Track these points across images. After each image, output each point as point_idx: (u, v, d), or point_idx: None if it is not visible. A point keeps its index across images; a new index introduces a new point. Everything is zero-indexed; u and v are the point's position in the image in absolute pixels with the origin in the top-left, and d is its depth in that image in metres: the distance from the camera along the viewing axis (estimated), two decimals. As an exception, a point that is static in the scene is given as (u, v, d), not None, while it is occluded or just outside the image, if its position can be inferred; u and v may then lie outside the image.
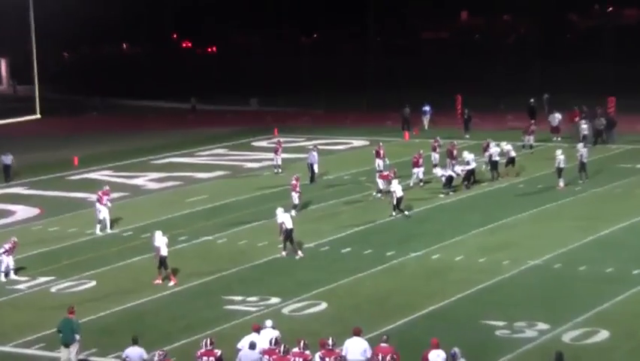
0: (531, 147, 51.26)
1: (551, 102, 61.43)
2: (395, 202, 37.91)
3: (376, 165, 45.23)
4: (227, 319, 27.20)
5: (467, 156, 43.32)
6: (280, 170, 48.09)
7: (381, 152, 45.61)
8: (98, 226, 37.51)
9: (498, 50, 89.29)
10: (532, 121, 54.14)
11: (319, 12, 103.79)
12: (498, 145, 45.06)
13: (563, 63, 78.74)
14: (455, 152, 44.98)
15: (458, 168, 43.09)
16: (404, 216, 37.88)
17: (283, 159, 49.00)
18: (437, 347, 21.07)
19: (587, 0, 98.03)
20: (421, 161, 43.52)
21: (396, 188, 38.00)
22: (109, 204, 37.87)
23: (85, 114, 76.97)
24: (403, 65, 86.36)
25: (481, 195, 42.04)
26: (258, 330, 22.29)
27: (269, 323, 22.72)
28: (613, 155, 50.54)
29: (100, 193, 37.93)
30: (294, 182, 39.13)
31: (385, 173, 41.60)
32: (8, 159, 48.77)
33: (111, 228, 37.70)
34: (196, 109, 76.64)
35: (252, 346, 21.56)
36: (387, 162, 45.35)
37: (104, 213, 37.51)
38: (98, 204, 37.66)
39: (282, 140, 51.82)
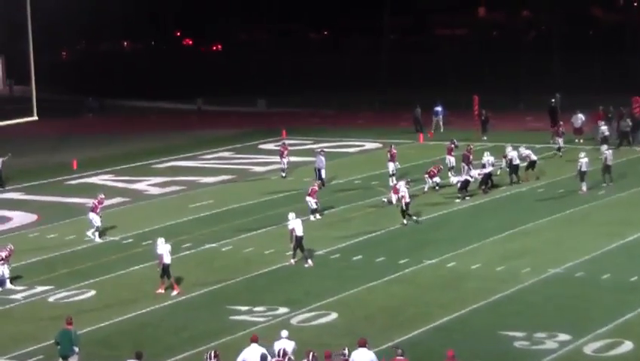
0: (559, 149, 51.11)
1: (563, 103, 61.12)
2: (405, 207, 37.92)
3: (390, 170, 45.25)
4: (232, 330, 27.33)
5: (486, 158, 43.39)
6: (285, 174, 48.14)
7: (394, 154, 45.64)
8: (97, 233, 37.70)
9: (517, 47, 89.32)
10: (561, 123, 53.98)
11: (329, 7, 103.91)
12: (516, 149, 45.01)
13: (586, 61, 78.69)
14: (471, 157, 44.97)
15: (475, 172, 43.16)
16: (414, 221, 37.89)
17: (291, 162, 49.17)
18: (453, 359, 21.21)
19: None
20: (436, 171, 43.59)
21: (404, 192, 38.01)
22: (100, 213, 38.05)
23: (83, 116, 77.19)
24: (417, 62, 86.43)
25: (500, 200, 42.12)
26: (256, 340, 22.42)
27: (284, 333, 22.88)
28: (638, 157, 50.53)
29: (96, 202, 38.05)
30: (315, 187, 39.48)
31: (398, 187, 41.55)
32: None
33: (101, 237, 37.82)
34: (202, 110, 76.82)
35: (264, 358, 21.70)
36: (398, 165, 45.38)
37: (97, 221, 37.65)
38: (92, 213, 37.69)
39: (287, 143, 51.93)
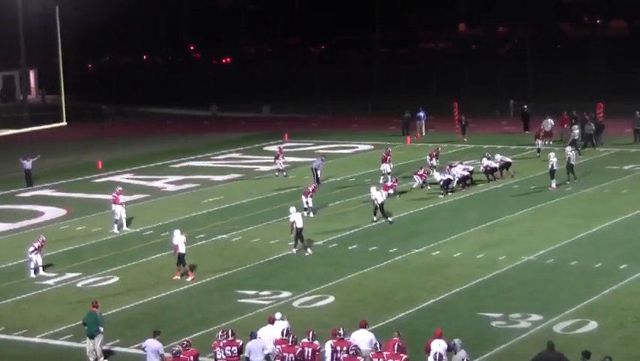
0: (539, 150, 50.62)
1: (535, 108, 60.89)
2: (377, 207, 37.14)
3: (382, 168, 44.97)
4: (241, 312, 27.30)
5: (462, 166, 43.31)
6: (279, 173, 47.56)
7: (387, 157, 45.26)
8: (116, 226, 37.61)
9: (494, 59, 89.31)
10: (541, 127, 53.84)
11: (327, 24, 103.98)
12: (490, 159, 44.75)
13: (556, 71, 78.70)
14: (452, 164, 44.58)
15: (457, 169, 42.89)
16: (387, 221, 37.08)
17: (293, 163, 49.03)
18: (440, 337, 21.15)
19: (577, 11, 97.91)
20: (425, 175, 43.39)
21: (376, 195, 37.32)
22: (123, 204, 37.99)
23: (107, 121, 76.98)
24: (405, 73, 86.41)
25: (479, 196, 42.05)
26: (272, 322, 22.41)
27: (278, 315, 22.85)
28: (601, 157, 50.46)
29: (115, 194, 38.05)
30: (310, 189, 39.01)
31: (389, 184, 41.37)
32: (29, 163, 47.99)
33: (128, 225, 37.79)
34: (216, 116, 76.54)
35: (253, 335, 21.77)
36: (390, 167, 44.92)
37: (120, 212, 37.61)
38: (114, 205, 37.68)
39: (289, 145, 51.72)
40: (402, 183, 43.00)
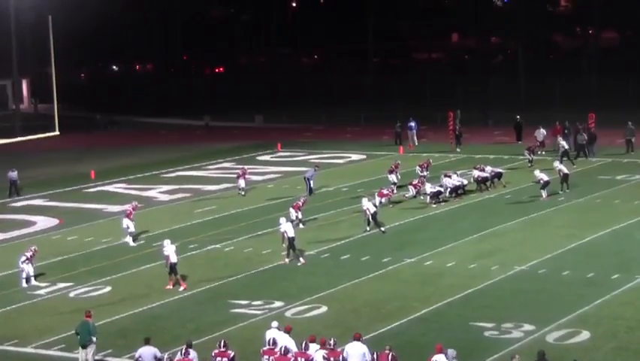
0: (530, 161, 50.59)
1: (528, 118, 60.89)
2: (370, 218, 37.15)
3: (389, 178, 44.84)
4: (233, 322, 27.26)
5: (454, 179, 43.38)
6: (244, 193, 46.17)
7: (396, 169, 45.20)
8: (131, 238, 37.24)
9: (487, 70, 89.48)
10: (538, 143, 54.07)
11: (319, 34, 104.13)
12: (481, 170, 44.79)
13: (548, 81, 78.88)
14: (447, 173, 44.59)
15: (451, 179, 42.92)
16: (380, 231, 36.95)
17: (284, 172, 48.87)
18: (440, 352, 21.01)
19: (569, 22, 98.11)
20: (420, 185, 43.36)
21: (368, 205, 37.26)
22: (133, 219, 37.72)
23: (97, 131, 76.88)
24: (398, 83, 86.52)
25: (471, 206, 42.06)
26: (289, 331, 22.34)
27: (274, 323, 22.84)
28: (593, 167, 50.55)
29: (130, 209, 37.74)
30: (300, 203, 38.78)
31: (385, 191, 41.36)
32: (14, 175, 48.04)
33: (123, 237, 37.59)
34: (209, 126, 76.48)
35: (189, 345, 21.90)
36: (399, 177, 44.94)
37: (132, 227, 37.27)
38: (126, 220, 37.00)
39: (282, 154, 51.58)
40: (396, 193, 43.00)
